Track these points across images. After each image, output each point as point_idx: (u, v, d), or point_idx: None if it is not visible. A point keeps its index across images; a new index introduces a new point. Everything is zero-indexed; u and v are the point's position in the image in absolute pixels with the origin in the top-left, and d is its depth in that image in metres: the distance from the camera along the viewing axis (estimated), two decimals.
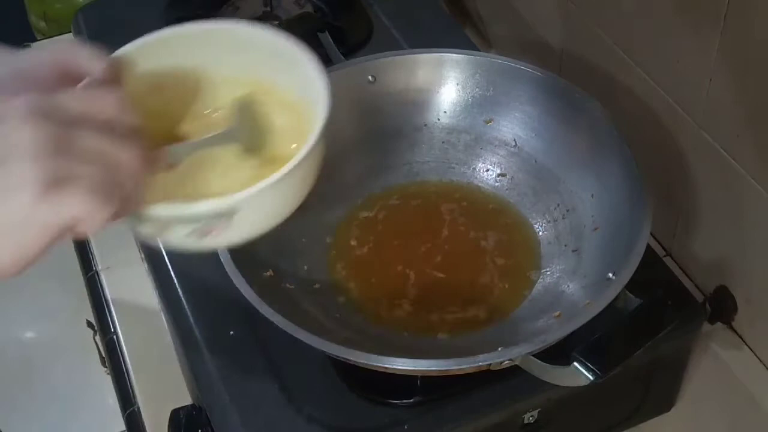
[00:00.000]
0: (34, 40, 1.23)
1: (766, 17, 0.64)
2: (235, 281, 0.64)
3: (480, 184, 0.81)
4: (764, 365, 0.78)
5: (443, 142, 0.83)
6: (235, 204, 0.49)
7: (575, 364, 0.61)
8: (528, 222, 0.78)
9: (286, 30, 0.57)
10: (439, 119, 0.83)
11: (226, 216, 0.50)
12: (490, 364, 0.60)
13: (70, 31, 1.08)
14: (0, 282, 0.44)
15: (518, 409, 0.68)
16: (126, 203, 0.45)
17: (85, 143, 0.43)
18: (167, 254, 0.79)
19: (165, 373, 0.80)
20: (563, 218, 0.76)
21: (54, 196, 0.42)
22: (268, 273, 0.70)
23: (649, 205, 0.67)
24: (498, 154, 0.81)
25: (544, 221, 0.77)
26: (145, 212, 0.48)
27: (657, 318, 0.66)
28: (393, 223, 0.79)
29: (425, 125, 0.83)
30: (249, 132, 0.57)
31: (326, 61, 0.85)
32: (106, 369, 0.87)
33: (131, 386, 0.81)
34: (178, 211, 0.49)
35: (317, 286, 0.73)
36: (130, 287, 0.88)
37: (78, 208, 0.43)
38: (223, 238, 0.52)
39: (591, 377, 0.61)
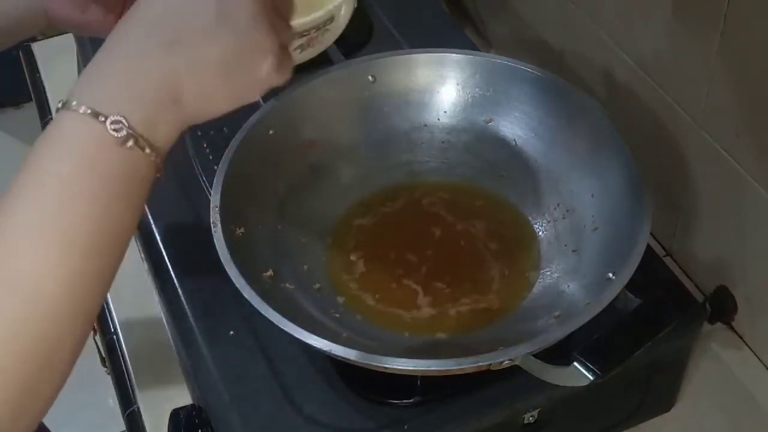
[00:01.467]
0: (35, 39, 1.22)
1: (766, 17, 0.64)
2: (235, 281, 0.64)
3: (480, 184, 0.81)
4: (764, 365, 0.78)
5: (443, 142, 0.83)
6: (336, 9, 0.63)
7: (575, 364, 0.61)
8: (528, 222, 0.78)
9: None
10: (439, 119, 0.83)
11: (326, 24, 0.62)
12: (490, 364, 0.60)
13: (70, 31, 1.08)
14: None
15: (518, 409, 0.68)
16: None
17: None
18: (167, 254, 0.79)
19: (165, 373, 0.80)
20: (563, 218, 0.76)
21: (282, 66, 0.52)
22: (268, 273, 0.70)
23: (649, 205, 0.67)
24: (498, 154, 0.81)
25: (544, 221, 0.77)
26: None
27: (657, 318, 0.66)
28: (393, 223, 0.79)
29: (425, 125, 0.83)
30: None
31: (326, 61, 0.85)
32: (106, 369, 0.87)
33: (131, 386, 0.81)
34: (299, 27, 0.60)
35: (317, 286, 0.73)
36: (130, 287, 0.88)
37: (285, 77, 0.53)
38: (315, 49, 0.65)
39: (591, 377, 0.61)
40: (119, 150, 0.46)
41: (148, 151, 0.47)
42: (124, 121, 0.46)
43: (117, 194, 0.47)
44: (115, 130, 0.46)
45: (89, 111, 0.46)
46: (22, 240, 0.45)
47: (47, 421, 0.98)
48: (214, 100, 0.51)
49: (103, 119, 0.46)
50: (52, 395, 0.47)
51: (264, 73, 0.52)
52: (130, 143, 0.47)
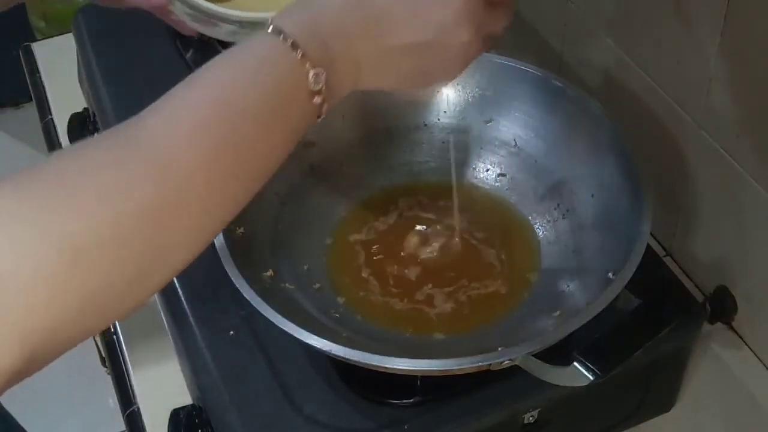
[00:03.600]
0: (35, 39, 1.23)
1: (766, 17, 0.64)
2: (235, 281, 0.64)
3: (480, 184, 0.81)
4: (764, 365, 0.78)
5: (443, 142, 0.83)
6: None
7: (575, 364, 0.61)
8: (528, 222, 0.78)
9: None
10: (439, 119, 0.83)
11: None
12: (490, 364, 0.60)
13: (70, 31, 1.08)
14: None
15: (518, 409, 0.68)
16: None
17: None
18: None
19: (165, 373, 0.80)
20: (563, 218, 0.76)
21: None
22: (268, 273, 0.70)
23: (649, 205, 0.67)
24: (498, 154, 0.81)
25: (544, 221, 0.77)
26: None
27: (657, 318, 0.66)
28: (393, 224, 0.79)
29: (425, 125, 0.83)
30: None
31: None
32: (106, 369, 0.87)
33: (131, 386, 0.81)
34: None
35: (317, 286, 0.73)
36: None
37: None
38: None
39: (591, 377, 0.61)
40: (308, 98, 0.50)
41: (325, 108, 0.51)
42: (323, 76, 0.50)
43: (288, 132, 0.50)
44: (315, 81, 0.50)
45: (300, 53, 0.50)
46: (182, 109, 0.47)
47: (48, 420, 0.98)
48: (392, 80, 0.56)
49: (309, 66, 0.50)
50: (160, 283, 0.46)
51: (457, 69, 0.57)
52: (318, 98, 0.51)
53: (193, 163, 0.45)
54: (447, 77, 0.58)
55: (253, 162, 0.49)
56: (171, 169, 0.45)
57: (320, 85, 0.50)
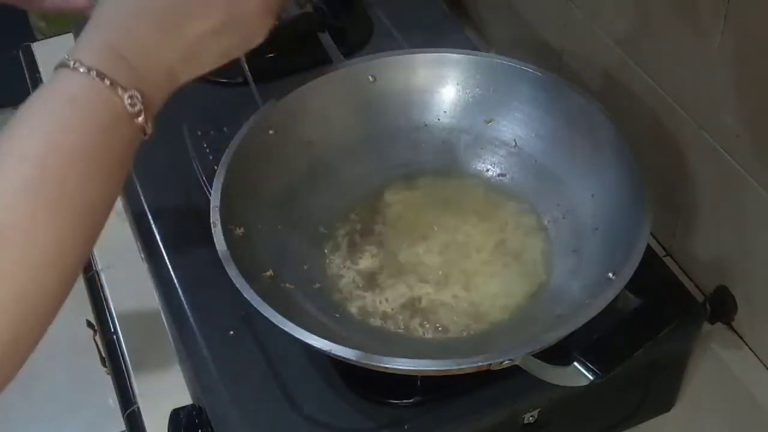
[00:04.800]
0: (35, 39, 1.23)
1: (766, 17, 0.64)
2: (235, 281, 0.64)
3: (480, 184, 0.81)
4: (764, 365, 0.78)
5: (443, 142, 0.83)
6: None
7: (575, 364, 0.61)
8: (528, 221, 0.78)
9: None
10: (439, 119, 0.83)
11: None
12: (490, 364, 0.60)
13: (70, 31, 1.08)
14: None
15: (518, 409, 0.68)
16: None
17: None
18: (167, 254, 0.79)
19: (165, 373, 0.80)
20: (563, 218, 0.76)
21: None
22: (268, 273, 0.70)
23: (649, 205, 0.68)
24: (498, 154, 0.81)
25: (544, 221, 0.77)
26: None
27: (657, 318, 0.66)
28: (393, 223, 0.79)
29: (425, 125, 0.83)
30: None
31: (326, 61, 0.85)
32: (106, 369, 0.87)
33: (131, 386, 0.81)
34: None
35: (317, 286, 0.73)
36: (130, 287, 0.88)
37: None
38: None
39: (591, 377, 0.61)
40: (130, 121, 0.51)
41: (150, 124, 0.52)
42: (138, 96, 0.51)
43: (120, 159, 0.51)
44: (131, 105, 0.50)
45: (108, 82, 0.50)
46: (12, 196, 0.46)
47: (48, 420, 0.98)
48: (207, 65, 0.57)
49: (121, 92, 0.50)
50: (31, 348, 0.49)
51: (258, 34, 0.57)
52: (140, 118, 0.51)
53: (27, 220, 0.46)
54: (256, 39, 0.58)
55: (91, 199, 0.49)
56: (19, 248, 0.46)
57: (137, 107, 0.50)
